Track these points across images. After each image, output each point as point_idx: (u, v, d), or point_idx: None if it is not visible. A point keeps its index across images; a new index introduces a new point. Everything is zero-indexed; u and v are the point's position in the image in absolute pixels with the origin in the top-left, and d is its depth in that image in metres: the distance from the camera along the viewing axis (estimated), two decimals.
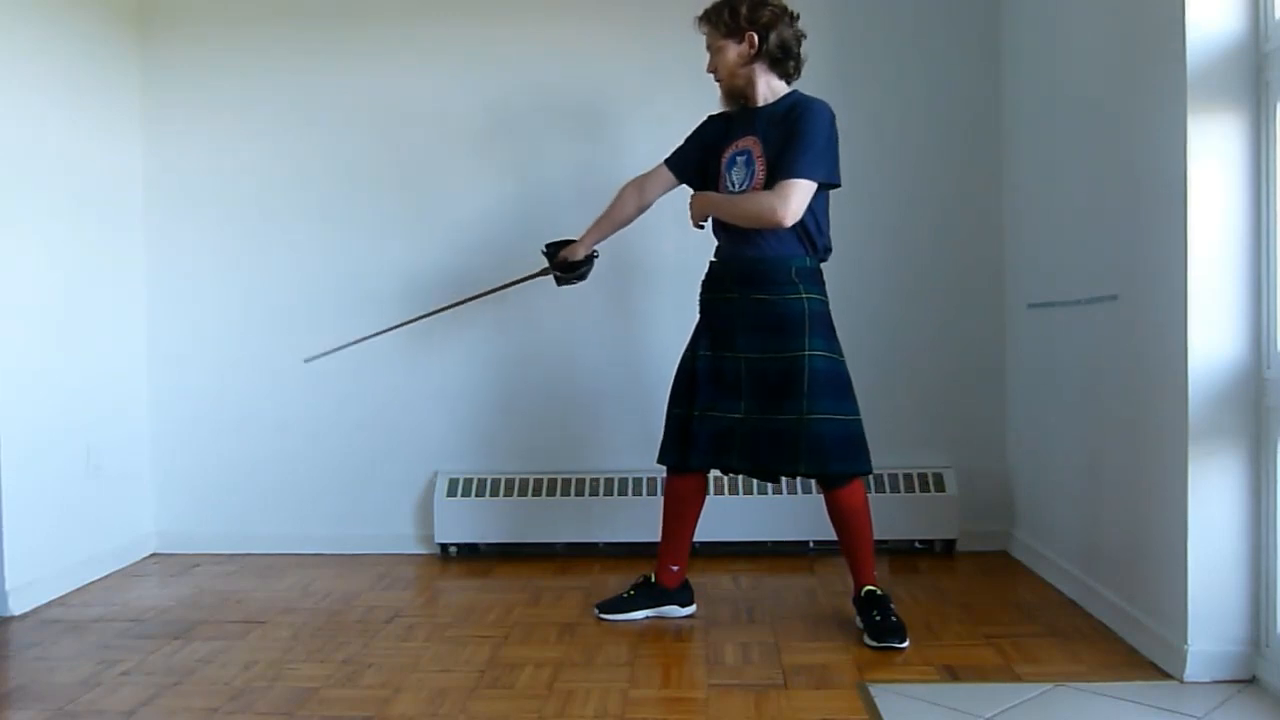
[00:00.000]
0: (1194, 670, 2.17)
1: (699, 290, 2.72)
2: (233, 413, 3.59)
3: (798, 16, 2.60)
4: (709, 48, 2.64)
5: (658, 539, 2.80)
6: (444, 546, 3.49)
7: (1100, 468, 2.68)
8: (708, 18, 2.62)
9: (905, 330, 3.43)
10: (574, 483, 3.44)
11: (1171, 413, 2.22)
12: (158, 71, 3.60)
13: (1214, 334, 2.15)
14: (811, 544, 3.38)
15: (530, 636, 2.62)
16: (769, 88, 2.61)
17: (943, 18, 3.41)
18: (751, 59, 2.57)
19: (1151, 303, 2.34)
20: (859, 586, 2.61)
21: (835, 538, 2.67)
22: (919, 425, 3.43)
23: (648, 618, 2.75)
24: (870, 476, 2.93)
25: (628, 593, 2.79)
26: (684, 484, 2.72)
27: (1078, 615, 2.69)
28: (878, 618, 2.51)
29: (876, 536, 2.67)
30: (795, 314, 2.53)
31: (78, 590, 3.14)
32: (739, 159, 2.60)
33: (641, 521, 3.25)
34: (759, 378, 2.56)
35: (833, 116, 2.53)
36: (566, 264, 2.90)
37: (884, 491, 3.31)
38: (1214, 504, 2.16)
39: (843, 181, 2.58)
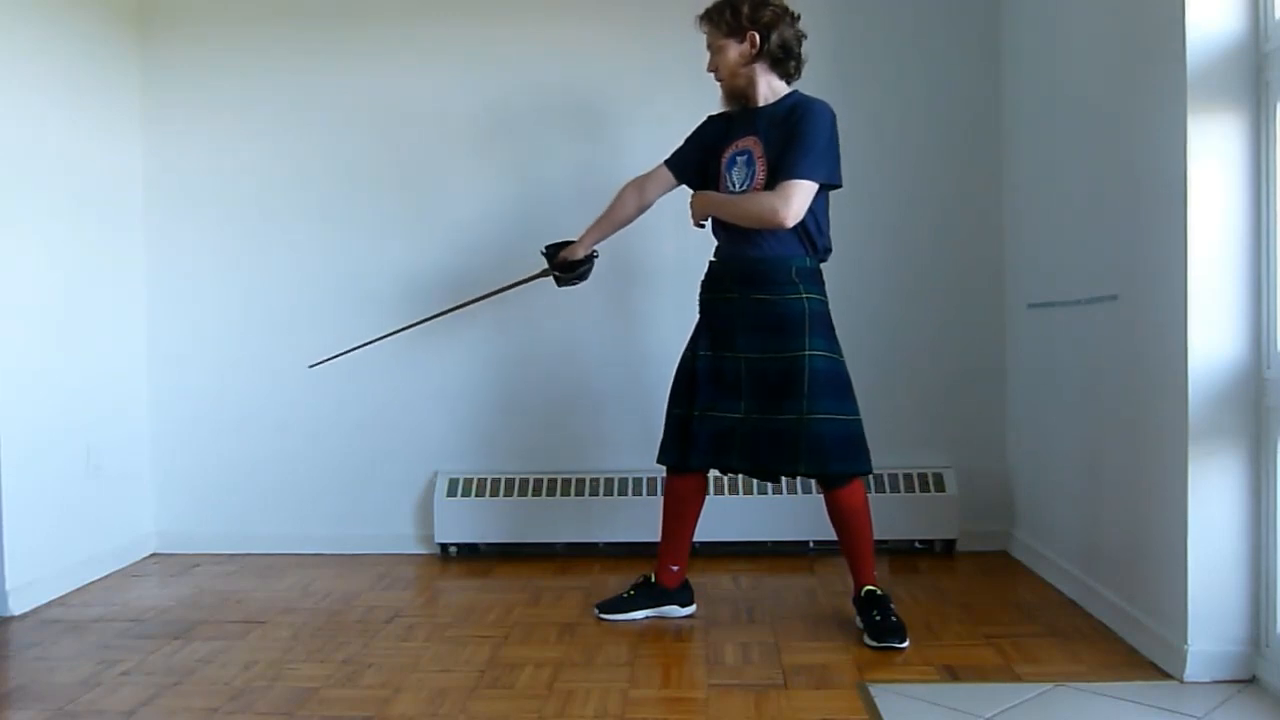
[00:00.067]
0: (1194, 670, 2.17)
1: (699, 290, 2.72)
2: (233, 413, 3.59)
3: (799, 17, 2.60)
4: (709, 47, 2.64)
5: (658, 539, 2.80)
6: (444, 546, 3.49)
7: (1100, 468, 2.68)
8: (709, 17, 2.62)
9: (905, 330, 3.43)
10: (574, 483, 3.44)
11: (1171, 413, 2.22)
12: (158, 71, 3.60)
13: (1214, 334, 2.15)
14: (811, 544, 3.38)
15: (530, 636, 2.62)
16: (770, 88, 2.61)
17: (943, 18, 3.41)
18: (753, 59, 2.57)
19: (1151, 303, 2.34)
20: (859, 586, 2.61)
21: (835, 538, 2.67)
22: (919, 425, 3.43)
23: (648, 618, 2.75)
24: (870, 476, 2.94)
25: (628, 593, 2.79)
26: (684, 484, 2.72)
27: (1078, 615, 2.69)
28: (878, 618, 2.51)
29: (876, 536, 2.67)
30: (795, 314, 2.53)
31: (78, 590, 3.14)
32: (739, 159, 2.60)
33: (641, 521, 3.25)
34: (759, 378, 2.56)
35: (833, 117, 2.53)
36: (566, 265, 2.90)
37: (884, 491, 3.31)
38: (1214, 504, 2.16)
39: (843, 182, 2.58)
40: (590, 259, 2.91)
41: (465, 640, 2.60)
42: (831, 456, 2.49)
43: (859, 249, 3.29)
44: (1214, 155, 2.14)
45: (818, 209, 2.54)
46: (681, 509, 2.75)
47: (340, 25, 3.54)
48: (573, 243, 2.89)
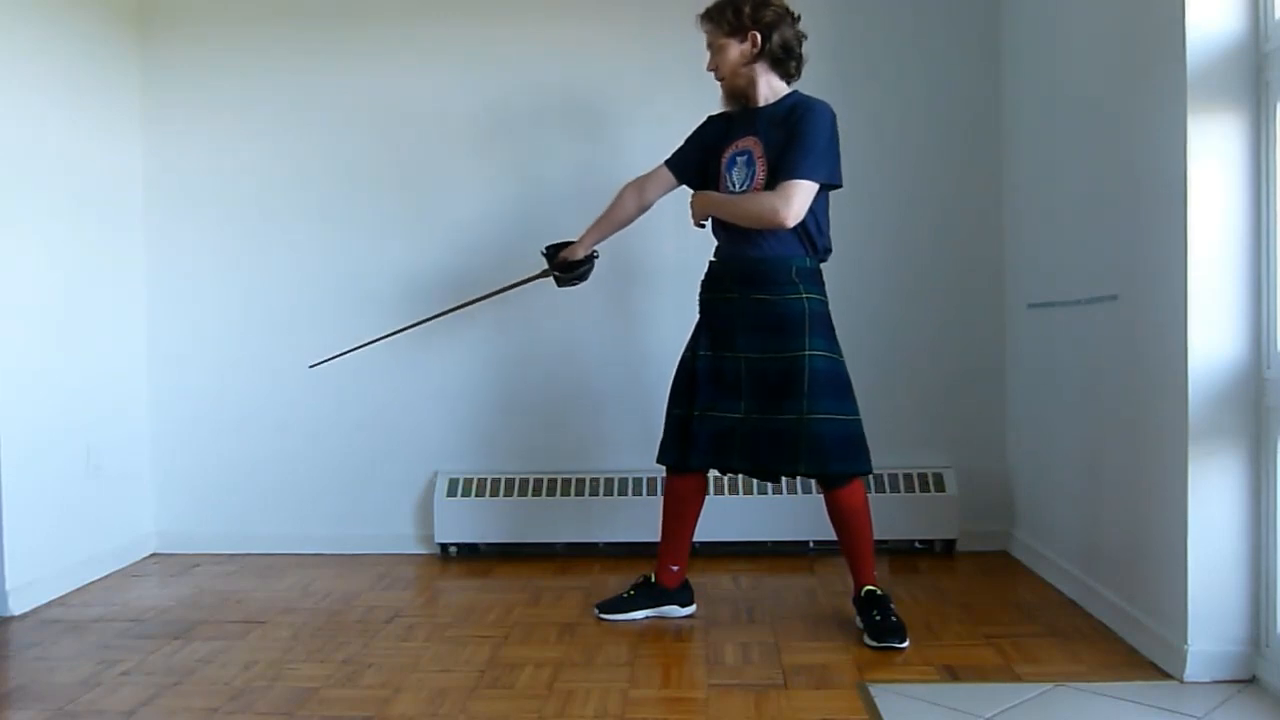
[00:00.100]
0: (1194, 670, 2.17)
1: (699, 290, 2.72)
2: (233, 413, 3.59)
3: (799, 17, 2.60)
4: (710, 46, 2.64)
5: (658, 539, 2.80)
6: (444, 546, 3.49)
7: (1100, 468, 2.68)
8: (710, 16, 2.61)
9: (905, 330, 3.43)
10: (574, 483, 3.44)
11: (1171, 413, 2.22)
12: (158, 71, 3.60)
13: (1214, 334, 2.15)
14: (811, 544, 3.38)
15: (530, 636, 2.62)
16: (770, 88, 2.61)
17: (943, 18, 3.41)
18: (754, 58, 2.57)
19: (1151, 303, 2.34)
20: (859, 586, 2.61)
21: (835, 538, 2.67)
22: (919, 425, 3.43)
23: (648, 618, 2.75)
24: (870, 476, 2.94)
25: (628, 593, 2.79)
26: (684, 484, 2.72)
27: (1078, 615, 2.69)
28: (878, 618, 2.51)
29: (876, 536, 2.67)
30: (795, 314, 2.53)
31: (78, 590, 3.14)
32: (739, 159, 2.60)
33: (641, 521, 3.25)
34: (759, 378, 2.56)
35: (834, 117, 2.53)
36: (566, 265, 2.90)
37: (884, 491, 3.31)
38: (1214, 504, 2.16)
39: (843, 182, 2.58)
40: (590, 259, 2.91)
41: (465, 640, 2.60)
42: (831, 456, 2.49)
43: (859, 249, 3.29)
44: (1214, 155, 2.14)
45: (818, 209, 2.54)
46: (681, 509, 2.75)
47: (340, 25, 3.54)
48: (573, 243, 2.89)
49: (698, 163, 2.72)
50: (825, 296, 2.61)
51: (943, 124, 3.42)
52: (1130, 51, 2.44)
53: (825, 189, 2.54)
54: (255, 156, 3.57)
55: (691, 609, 2.78)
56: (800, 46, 2.61)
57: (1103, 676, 2.24)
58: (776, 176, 2.49)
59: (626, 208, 2.81)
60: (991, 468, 3.41)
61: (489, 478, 3.48)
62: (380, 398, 3.55)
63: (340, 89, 3.54)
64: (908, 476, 3.36)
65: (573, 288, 2.98)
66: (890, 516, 3.23)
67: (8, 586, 2.89)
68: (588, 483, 3.44)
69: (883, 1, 3.42)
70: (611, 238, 2.89)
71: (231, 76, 3.57)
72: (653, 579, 2.77)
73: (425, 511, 3.52)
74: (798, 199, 2.45)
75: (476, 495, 3.44)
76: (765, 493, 3.35)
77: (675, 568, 2.76)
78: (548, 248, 2.94)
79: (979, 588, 2.99)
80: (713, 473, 2.76)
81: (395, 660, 2.46)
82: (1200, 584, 2.17)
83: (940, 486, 3.34)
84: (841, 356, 2.59)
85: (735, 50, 2.58)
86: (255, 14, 3.56)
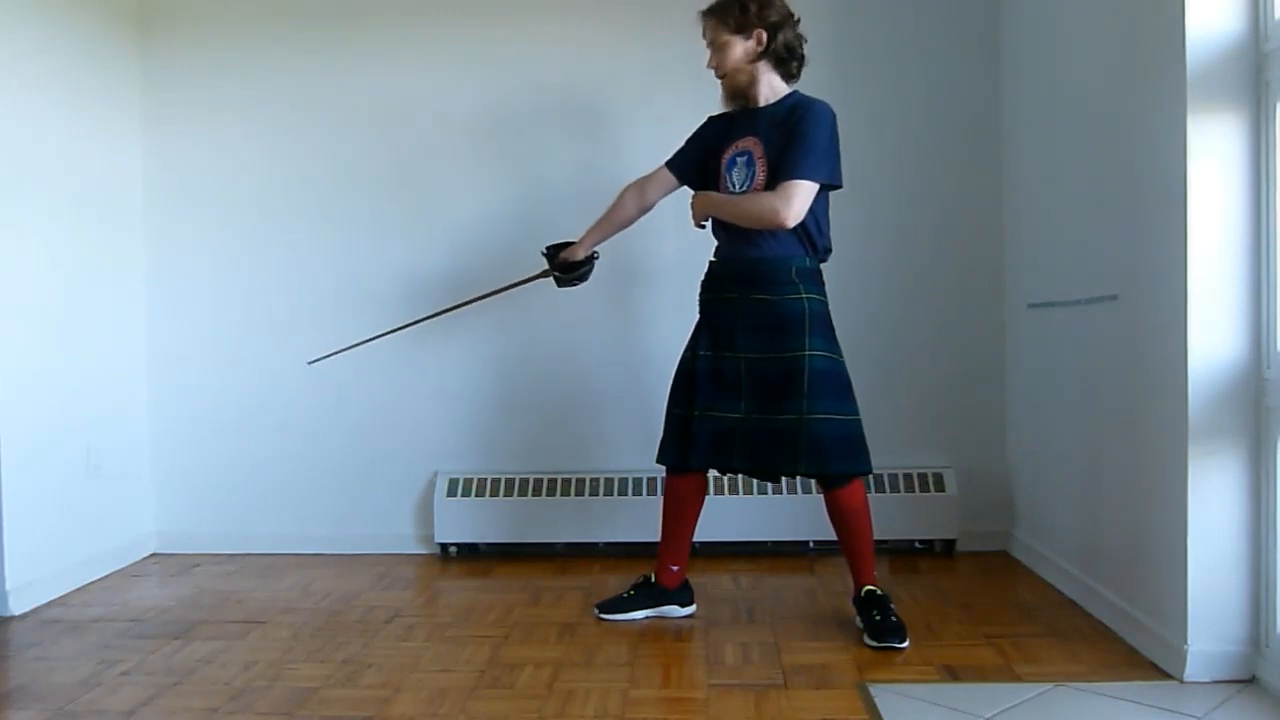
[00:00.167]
0: (1194, 670, 2.17)
1: (699, 290, 2.72)
2: (233, 413, 3.59)
3: (799, 21, 2.60)
4: (711, 43, 2.63)
5: (658, 539, 2.80)
6: (444, 546, 3.49)
7: (1100, 468, 2.68)
8: (714, 12, 2.61)
9: (905, 330, 3.43)
10: (574, 483, 3.44)
11: (1171, 413, 2.22)
12: (158, 71, 3.60)
13: (1214, 334, 2.15)
14: (811, 544, 3.38)
15: (530, 636, 2.62)
16: (770, 87, 2.61)
17: (943, 18, 3.41)
18: (757, 56, 2.57)
19: (1151, 303, 2.34)
20: (859, 586, 2.61)
21: (835, 538, 2.67)
22: (919, 425, 3.43)
23: (648, 618, 2.75)
24: (870, 476, 2.94)
25: (628, 593, 2.79)
26: (684, 484, 2.72)
27: (1078, 615, 2.69)
28: (878, 618, 2.51)
29: (876, 536, 2.67)
30: (795, 314, 2.53)
31: (78, 590, 3.14)
32: (739, 159, 2.60)
33: (641, 521, 3.25)
34: (759, 378, 2.57)
35: (834, 117, 2.53)
36: (567, 265, 2.90)
37: (884, 491, 3.31)
38: (1214, 504, 2.16)
39: (843, 182, 2.58)
40: (590, 260, 2.91)
41: (465, 640, 2.60)
42: (831, 456, 2.49)
43: (859, 249, 3.29)
44: (1214, 155, 2.14)
45: (818, 209, 2.54)
46: (681, 509, 2.75)
47: (340, 25, 3.54)
48: (573, 243, 2.89)
49: (698, 163, 2.72)
50: (825, 297, 2.61)
51: (943, 124, 3.42)
52: (1130, 52, 2.44)
53: (825, 189, 2.54)
54: (255, 156, 3.57)
55: (691, 609, 2.78)
56: (802, 48, 2.61)
57: (1103, 676, 2.24)
58: (777, 177, 2.49)
59: (627, 209, 2.82)
60: (991, 468, 3.41)
61: (489, 478, 3.48)
62: (380, 398, 3.55)
63: (340, 89, 3.54)
64: (908, 476, 3.36)
65: (573, 288, 2.98)
66: (890, 516, 3.23)
67: (8, 586, 2.89)
68: (588, 483, 3.44)
69: (883, 2, 3.42)
70: (612, 238, 2.89)
71: (231, 76, 3.57)
72: (653, 579, 2.78)
73: (425, 511, 3.52)
74: (798, 199, 2.45)
75: (476, 495, 3.44)
76: (765, 493, 3.35)
77: (675, 568, 2.76)
78: (548, 248, 2.95)
79: (979, 588, 2.99)
80: (713, 473, 2.76)
81: (395, 660, 2.46)
82: (1200, 584, 2.17)
83: (940, 486, 3.34)
84: (841, 356, 2.59)
85: (739, 48, 2.58)
86: (255, 14, 3.56)
